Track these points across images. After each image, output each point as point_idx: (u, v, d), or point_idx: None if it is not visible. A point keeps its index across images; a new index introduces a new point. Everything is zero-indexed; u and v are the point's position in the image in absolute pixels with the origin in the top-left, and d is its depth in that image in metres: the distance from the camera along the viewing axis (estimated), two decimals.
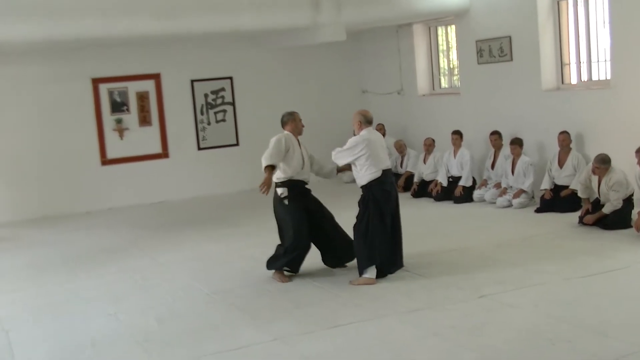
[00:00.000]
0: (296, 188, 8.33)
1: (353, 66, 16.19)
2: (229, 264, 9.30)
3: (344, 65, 16.09)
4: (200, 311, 7.53)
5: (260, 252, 9.64)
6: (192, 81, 14.83)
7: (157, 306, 7.76)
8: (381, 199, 8.10)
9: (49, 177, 13.88)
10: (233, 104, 15.17)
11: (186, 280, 8.69)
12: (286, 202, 8.25)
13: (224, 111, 15.11)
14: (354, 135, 8.46)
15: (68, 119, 13.96)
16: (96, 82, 14.13)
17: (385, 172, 8.20)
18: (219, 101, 15.07)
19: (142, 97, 14.46)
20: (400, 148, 14.13)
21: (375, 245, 8.05)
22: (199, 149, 14.97)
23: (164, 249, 10.45)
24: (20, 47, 12.69)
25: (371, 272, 8.05)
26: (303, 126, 8.71)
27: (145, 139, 14.55)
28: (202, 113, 14.93)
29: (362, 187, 8.24)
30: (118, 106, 14.33)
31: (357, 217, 8.22)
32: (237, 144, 15.24)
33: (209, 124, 15.01)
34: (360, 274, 8.08)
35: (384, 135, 14.76)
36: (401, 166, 14.07)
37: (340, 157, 8.41)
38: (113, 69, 14.22)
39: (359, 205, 8.22)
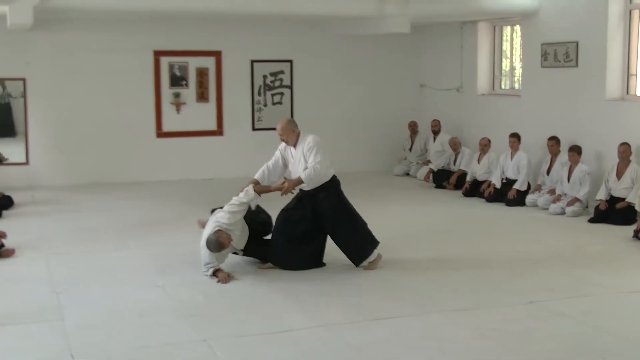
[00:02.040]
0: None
1: (413, 60, 16.09)
2: None
3: (404, 58, 15.99)
4: (247, 291, 7.56)
5: None
6: (252, 61, 14.87)
7: (204, 282, 7.81)
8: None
9: (104, 144, 14.05)
10: (291, 87, 15.19)
11: (233, 259, 8.71)
12: None
13: (281, 94, 15.13)
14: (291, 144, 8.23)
15: (127, 89, 14.11)
16: (158, 54, 14.25)
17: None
18: (277, 83, 15.09)
19: (202, 73, 14.54)
20: (455, 146, 14.02)
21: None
22: (254, 129, 15.01)
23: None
24: (87, 15, 12.85)
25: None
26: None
27: (202, 115, 14.64)
28: (259, 94, 14.97)
29: (329, 181, 8.23)
30: (177, 80, 14.44)
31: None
32: None
33: (265, 105, 15.05)
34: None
35: (438, 131, 14.71)
36: (454, 164, 13.97)
37: (322, 162, 8.05)
38: (175, 43, 14.32)
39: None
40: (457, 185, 13.43)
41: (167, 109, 14.42)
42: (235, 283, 7.80)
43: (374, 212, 11.38)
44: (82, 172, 13.93)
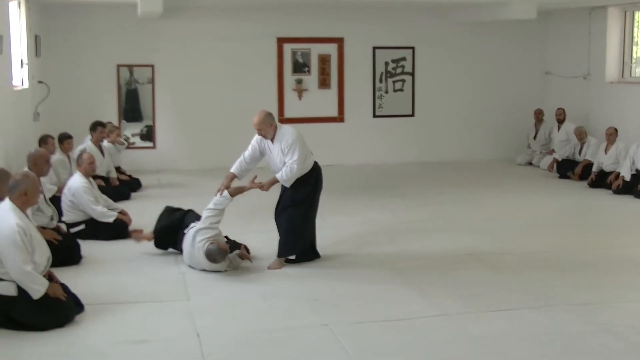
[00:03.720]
0: None
1: (538, 46, 15.71)
2: (396, 234, 9.30)
3: (528, 45, 15.64)
4: (368, 277, 7.60)
5: (427, 225, 9.63)
6: (374, 48, 14.87)
7: (326, 267, 7.91)
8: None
9: (228, 129, 14.32)
10: (412, 74, 15.11)
11: (354, 246, 8.77)
12: None
13: (403, 81, 15.08)
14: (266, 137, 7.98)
15: (251, 75, 14.37)
16: (281, 41, 14.45)
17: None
18: (398, 70, 15.04)
19: (324, 60, 14.66)
20: (581, 135, 13.63)
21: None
22: (375, 116, 15.04)
23: (332, 210, 10.52)
24: (212, 3, 13.16)
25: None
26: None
27: (323, 102, 14.76)
28: (380, 81, 14.97)
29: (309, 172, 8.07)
30: (300, 67, 14.60)
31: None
32: (412, 115, 15.20)
33: (386, 92, 15.03)
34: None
35: (563, 120, 14.33)
36: (579, 154, 13.59)
37: (299, 160, 7.84)
38: (298, 30, 14.48)
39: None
40: (583, 176, 13.06)
41: (289, 95, 14.61)
42: (356, 269, 7.85)
43: (495, 202, 11.27)
44: (206, 156, 14.29)
